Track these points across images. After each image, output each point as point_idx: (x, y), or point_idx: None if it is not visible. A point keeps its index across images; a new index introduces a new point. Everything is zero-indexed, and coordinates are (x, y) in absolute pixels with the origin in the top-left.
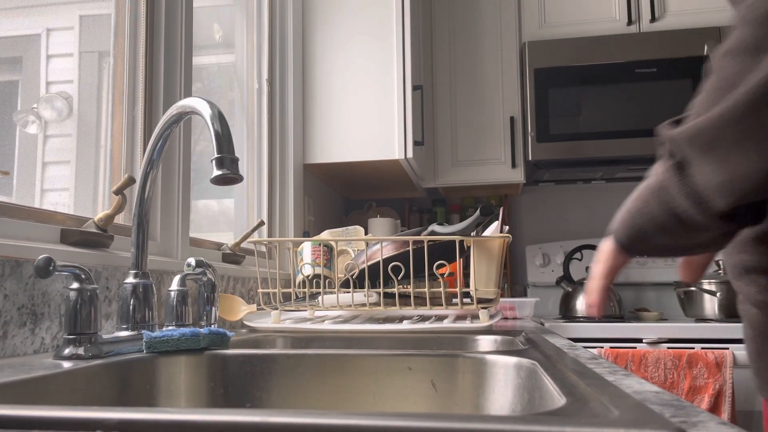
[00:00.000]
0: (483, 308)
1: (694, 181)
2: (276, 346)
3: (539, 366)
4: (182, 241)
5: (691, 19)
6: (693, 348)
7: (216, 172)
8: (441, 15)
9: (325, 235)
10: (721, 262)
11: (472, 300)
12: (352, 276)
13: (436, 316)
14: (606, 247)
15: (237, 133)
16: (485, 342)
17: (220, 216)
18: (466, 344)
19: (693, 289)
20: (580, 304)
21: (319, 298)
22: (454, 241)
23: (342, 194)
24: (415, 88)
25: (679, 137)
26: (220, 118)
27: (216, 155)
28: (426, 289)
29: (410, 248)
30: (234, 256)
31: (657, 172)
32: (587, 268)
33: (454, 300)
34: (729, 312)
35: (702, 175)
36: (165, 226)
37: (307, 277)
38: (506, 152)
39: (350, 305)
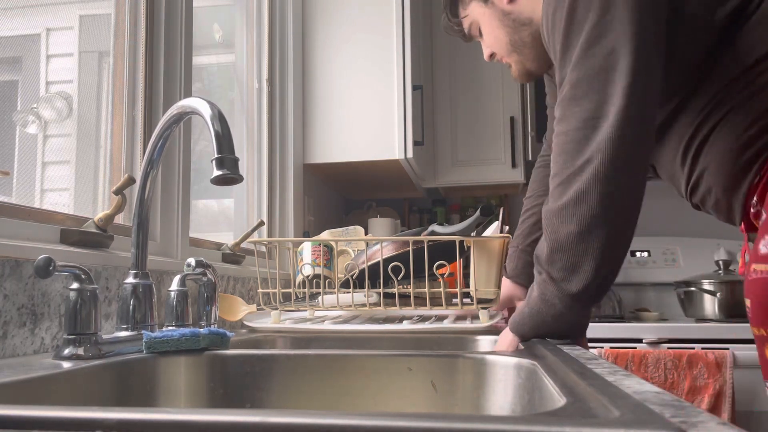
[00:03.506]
0: (483, 308)
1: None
2: (276, 347)
3: (539, 366)
4: (182, 241)
5: None
6: (693, 348)
7: (216, 173)
8: (441, 15)
9: (325, 235)
10: (720, 262)
11: (472, 300)
12: (352, 276)
13: (436, 316)
14: (510, 338)
15: (237, 133)
16: (485, 342)
17: (220, 216)
18: (466, 344)
19: (693, 289)
20: None
21: (319, 298)
22: (454, 242)
23: (342, 194)
24: (415, 88)
25: (541, 262)
26: (220, 119)
27: (216, 155)
28: (426, 290)
29: (410, 248)
30: (234, 256)
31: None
32: None
33: (454, 300)
34: (729, 312)
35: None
36: (165, 226)
37: (307, 277)
38: (506, 152)
39: (350, 305)
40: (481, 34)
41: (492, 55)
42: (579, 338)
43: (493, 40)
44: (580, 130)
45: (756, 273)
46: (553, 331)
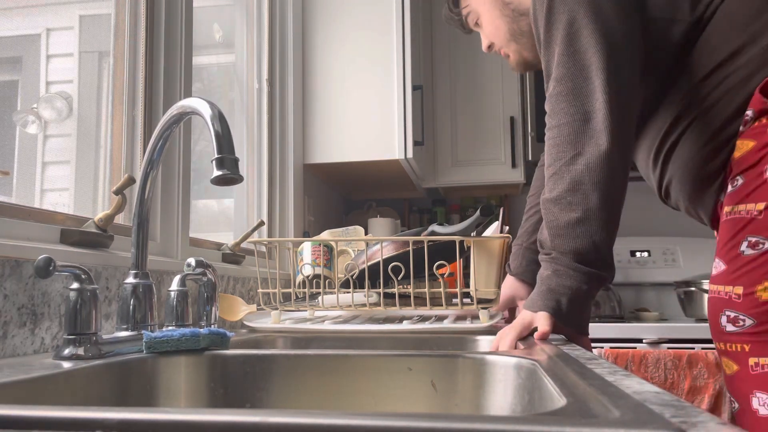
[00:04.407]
0: (483, 308)
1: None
2: (276, 347)
3: (539, 366)
4: (182, 241)
5: None
6: (693, 348)
7: (216, 173)
8: (441, 15)
9: (325, 235)
10: None
11: (472, 300)
12: (352, 276)
13: (436, 316)
14: (533, 319)
15: (237, 133)
16: (485, 342)
17: (220, 216)
18: (466, 344)
19: (693, 289)
20: None
21: (319, 298)
22: (454, 242)
23: (342, 194)
24: (415, 88)
25: (546, 246)
26: (220, 119)
27: (216, 156)
28: (426, 290)
29: (410, 248)
30: (234, 256)
31: (557, 271)
32: None
33: (454, 300)
34: None
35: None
36: (165, 226)
37: (307, 277)
38: (506, 152)
39: (350, 305)
40: (480, 25)
41: (490, 46)
42: (583, 334)
43: (492, 29)
44: (568, 125)
45: (710, 293)
46: (569, 304)
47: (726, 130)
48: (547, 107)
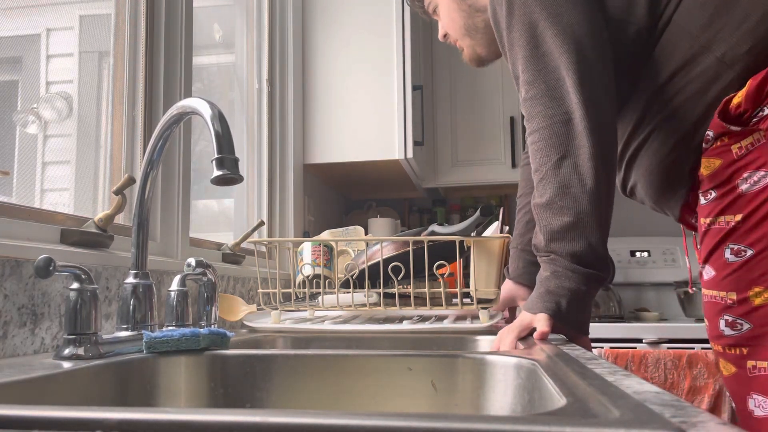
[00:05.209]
0: (483, 308)
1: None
2: (276, 347)
3: (539, 366)
4: (182, 241)
5: None
6: (693, 348)
7: (216, 173)
8: None
9: (325, 235)
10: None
11: (472, 300)
12: (352, 276)
13: (436, 316)
14: (532, 320)
15: (237, 133)
16: (485, 342)
17: (220, 216)
18: (466, 344)
19: (693, 289)
20: None
21: (319, 298)
22: (454, 242)
23: (342, 194)
24: (415, 88)
25: (541, 249)
26: (220, 119)
27: (216, 156)
28: (426, 290)
29: (410, 248)
30: (234, 256)
31: (555, 273)
32: None
33: (454, 300)
34: None
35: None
36: (165, 226)
37: (307, 277)
38: (506, 152)
39: (350, 305)
40: (438, 15)
41: (445, 36)
42: (583, 334)
43: (448, 21)
44: (548, 128)
45: (705, 297)
46: (569, 305)
47: (687, 142)
48: (523, 111)
